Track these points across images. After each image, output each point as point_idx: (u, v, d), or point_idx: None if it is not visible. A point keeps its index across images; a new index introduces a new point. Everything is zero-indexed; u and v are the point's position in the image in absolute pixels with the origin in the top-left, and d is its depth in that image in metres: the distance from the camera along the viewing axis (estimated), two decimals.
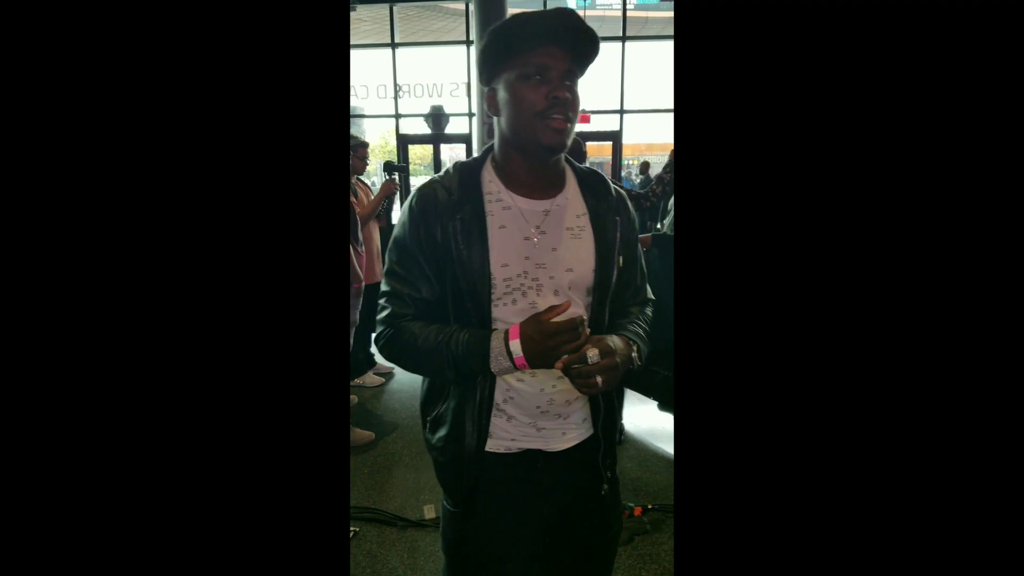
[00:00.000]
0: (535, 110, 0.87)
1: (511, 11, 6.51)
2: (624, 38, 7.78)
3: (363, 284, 2.94)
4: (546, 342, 0.82)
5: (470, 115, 8.00)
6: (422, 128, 8.02)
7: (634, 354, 0.92)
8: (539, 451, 0.98)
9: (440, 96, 8.28)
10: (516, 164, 0.94)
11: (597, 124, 7.98)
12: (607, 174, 1.10)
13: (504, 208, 0.93)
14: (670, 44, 7.93)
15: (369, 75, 8.12)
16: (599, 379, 0.82)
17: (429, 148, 8.43)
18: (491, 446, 0.97)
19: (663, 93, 7.98)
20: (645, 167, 6.74)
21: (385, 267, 0.99)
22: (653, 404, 3.17)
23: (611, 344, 0.87)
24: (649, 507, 2.20)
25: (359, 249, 2.87)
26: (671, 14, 7.86)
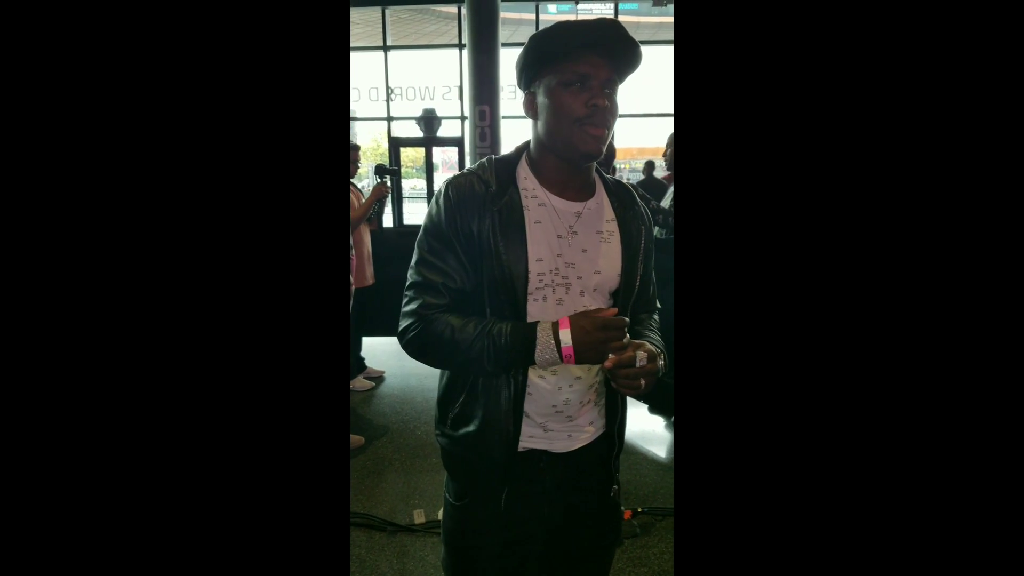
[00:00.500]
0: (574, 116, 0.88)
1: (503, 15, 6.52)
2: None
3: (353, 288, 2.93)
4: (597, 334, 0.83)
5: (462, 118, 8.00)
6: (414, 131, 8.02)
7: (661, 362, 0.93)
8: (543, 451, 0.98)
9: (432, 99, 8.28)
10: (551, 166, 0.96)
11: None
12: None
13: (540, 204, 0.94)
14: (660, 48, 7.98)
15: (361, 78, 8.11)
16: (643, 382, 0.85)
17: (421, 151, 8.43)
18: None
19: (655, 97, 8.03)
20: (650, 167, 6.73)
21: (415, 258, 0.96)
22: (643, 407, 3.19)
23: (652, 350, 0.88)
24: (639, 510, 2.21)
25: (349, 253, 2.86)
26: (662, 19, 7.91)
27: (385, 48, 8.12)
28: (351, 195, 3.22)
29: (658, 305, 1.13)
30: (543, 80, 0.92)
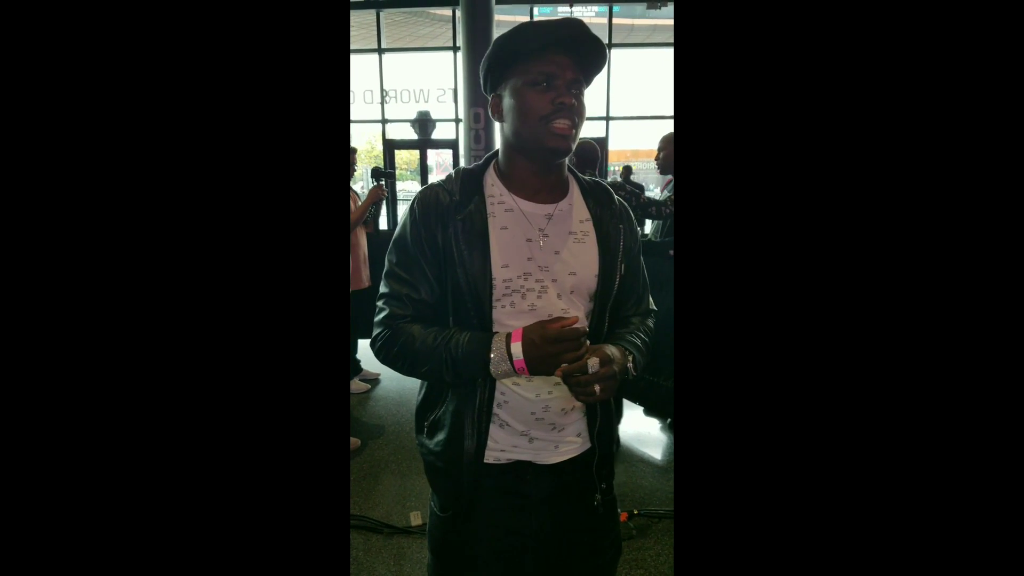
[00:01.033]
0: (540, 115, 0.88)
1: (497, 18, 6.53)
2: (610, 45, 7.85)
3: (349, 290, 2.93)
4: (547, 348, 0.83)
5: (457, 120, 8.01)
6: (409, 133, 8.01)
7: (629, 364, 0.92)
8: (529, 463, 0.97)
9: (427, 101, 8.28)
10: (520, 169, 0.95)
11: (584, 130, 8.01)
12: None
13: (507, 210, 0.93)
14: (655, 51, 8.02)
15: (356, 80, 8.10)
16: (597, 388, 0.83)
17: (415, 153, 8.42)
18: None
19: (648, 100, 8.07)
20: (627, 172, 6.77)
21: (385, 269, 0.98)
22: (639, 409, 3.19)
23: (609, 353, 0.87)
24: (635, 512, 2.21)
25: None
26: (655, 22, 7.94)
27: (380, 51, 8.12)
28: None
29: (652, 307, 1.11)
30: (508, 82, 0.91)
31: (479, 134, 6.31)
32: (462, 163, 5.72)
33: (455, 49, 7.94)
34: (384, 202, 3.21)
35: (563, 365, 0.83)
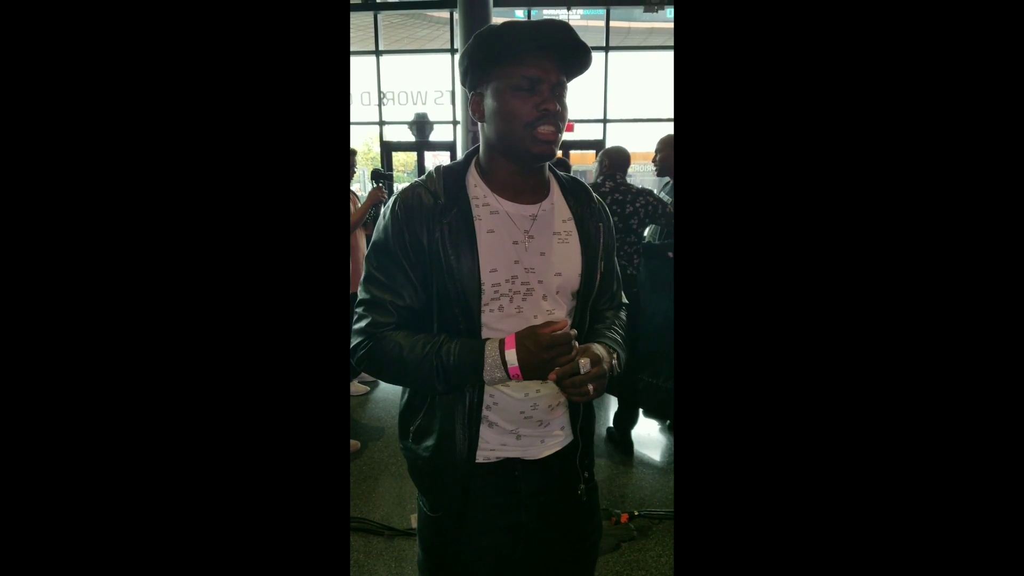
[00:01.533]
0: (525, 121, 0.87)
1: (495, 20, 6.53)
2: (607, 48, 7.87)
3: (350, 292, 2.93)
4: (542, 354, 0.83)
5: (454, 122, 8.02)
6: (406, 135, 8.01)
7: (614, 361, 0.94)
8: (517, 459, 0.98)
9: (424, 103, 8.28)
10: (503, 170, 0.94)
11: (581, 133, 8.05)
12: (587, 181, 1.11)
13: (492, 212, 0.93)
14: (652, 54, 8.03)
15: (353, 82, 8.10)
16: (591, 387, 0.85)
17: (413, 155, 8.42)
18: None
19: (645, 102, 8.08)
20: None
21: (364, 275, 0.95)
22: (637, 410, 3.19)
23: (597, 353, 0.88)
24: (635, 513, 2.21)
25: None
26: (652, 25, 7.96)
27: (377, 52, 8.12)
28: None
29: (624, 300, 1.13)
30: (491, 83, 0.90)
31: (476, 136, 6.30)
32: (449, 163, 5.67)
33: (452, 51, 7.95)
34: (383, 203, 3.20)
35: (556, 369, 0.84)
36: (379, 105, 8.21)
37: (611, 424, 2.90)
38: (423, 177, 0.96)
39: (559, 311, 0.95)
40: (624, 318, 1.10)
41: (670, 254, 2.64)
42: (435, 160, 8.37)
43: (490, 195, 0.94)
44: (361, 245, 3.33)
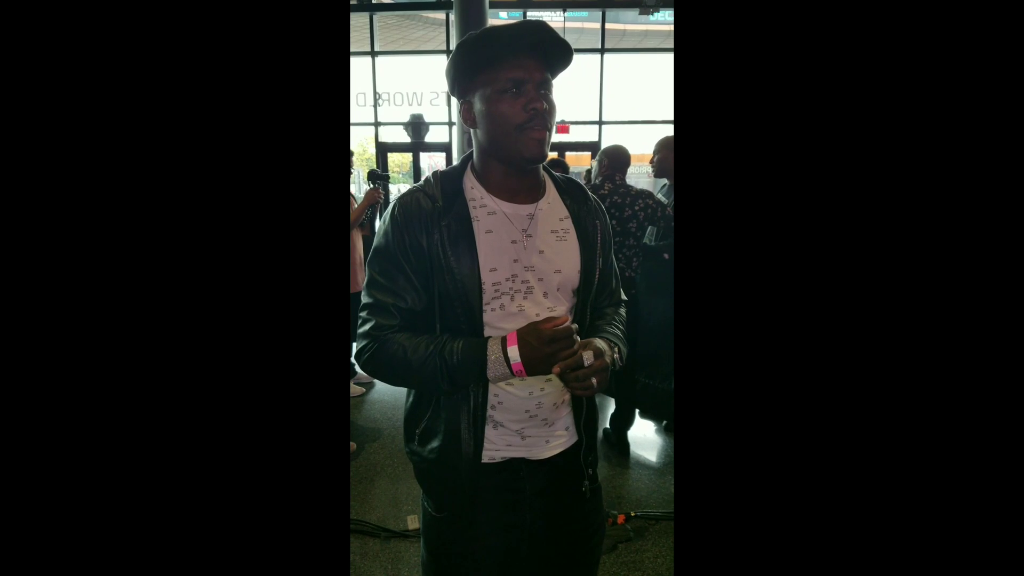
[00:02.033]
0: (514, 123, 0.88)
1: (491, 22, 6.54)
2: (603, 50, 7.89)
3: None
4: (544, 348, 0.84)
5: (450, 124, 8.01)
6: (401, 136, 8.00)
7: (616, 355, 0.95)
8: (522, 460, 0.99)
9: (420, 105, 8.27)
10: (498, 172, 0.95)
11: (576, 135, 8.06)
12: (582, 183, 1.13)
13: (489, 213, 0.94)
14: (647, 56, 8.06)
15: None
16: (595, 380, 0.85)
17: (408, 156, 8.41)
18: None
19: (640, 104, 8.10)
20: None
21: (366, 279, 0.97)
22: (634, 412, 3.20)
23: (599, 346, 0.90)
24: (632, 514, 2.21)
25: None
26: (647, 27, 7.99)
27: (373, 54, 8.11)
28: None
29: (623, 297, 1.15)
30: (478, 89, 0.91)
31: (471, 139, 6.30)
32: (445, 167, 5.66)
33: (448, 53, 7.96)
34: (380, 205, 3.20)
35: (560, 363, 0.84)
36: (375, 106, 8.20)
37: (607, 425, 2.90)
38: (421, 182, 0.98)
39: (560, 308, 0.96)
40: (624, 315, 1.11)
41: (666, 255, 2.64)
42: (430, 161, 8.36)
43: (487, 196, 0.95)
44: (358, 246, 3.32)
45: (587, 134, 8.07)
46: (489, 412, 0.96)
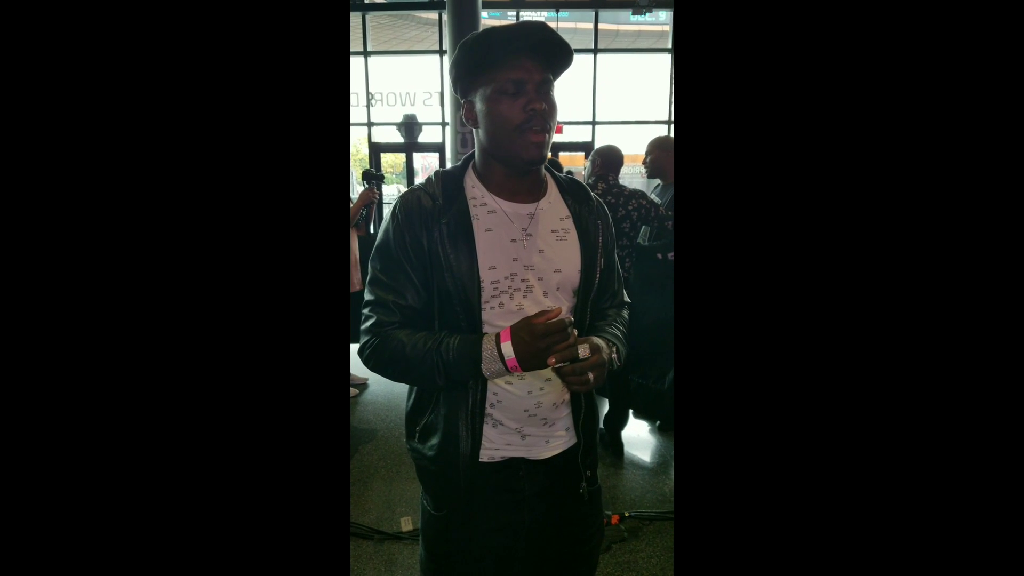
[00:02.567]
0: (514, 124, 0.89)
1: (484, 23, 6.54)
2: (596, 50, 7.91)
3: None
4: (537, 343, 0.84)
5: (443, 124, 8.01)
6: (395, 136, 7.99)
7: (614, 354, 0.95)
8: (522, 459, 0.99)
9: (413, 105, 8.26)
10: (499, 172, 0.96)
11: (569, 135, 8.07)
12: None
13: (489, 212, 0.95)
14: (640, 57, 8.08)
15: None
16: (590, 375, 0.86)
17: (401, 156, 8.40)
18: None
19: (633, 104, 8.13)
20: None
21: (369, 276, 0.98)
22: (628, 412, 3.20)
23: (596, 342, 0.90)
24: (626, 515, 2.22)
25: None
26: (640, 28, 8.01)
27: (365, 53, 8.09)
28: None
29: (626, 299, 1.15)
30: (479, 89, 0.92)
31: (466, 138, 6.31)
32: (448, 166, 5.67)
33: (441, 52, 7.95)
34: (374, 205, 3.19)
35: (555, 354, 0.84)
36: (367, 106, 8.19)
37: (601, 426, 2.91)
38: (423, 181, 0.99)
39: (560, 308, 0.96)
40: (626, 316, 1.12)
41: (659, 255, 2.65)
42: (424, 161, 8.35)
43: (487, 195, 0.96)
44: (353, 246, 3.31)
45: (580, 134, 8.09)
46: (488, 411, 0.96)
